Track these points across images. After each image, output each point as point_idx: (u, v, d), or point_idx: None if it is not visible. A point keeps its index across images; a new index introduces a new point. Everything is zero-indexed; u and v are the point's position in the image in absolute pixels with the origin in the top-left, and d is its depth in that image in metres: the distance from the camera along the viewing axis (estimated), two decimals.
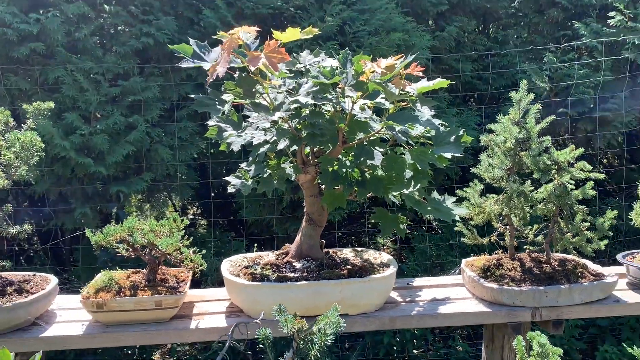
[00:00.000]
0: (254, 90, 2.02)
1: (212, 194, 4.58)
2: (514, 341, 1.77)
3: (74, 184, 4.04)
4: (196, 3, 4.33)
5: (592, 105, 4.62)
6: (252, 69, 1.85)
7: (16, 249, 4.59)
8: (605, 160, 5.71)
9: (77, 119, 3.88)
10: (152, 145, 4.09)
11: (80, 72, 3.96)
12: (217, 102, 2.04)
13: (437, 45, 4.70)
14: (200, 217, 5.76)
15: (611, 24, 4.55)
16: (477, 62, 4.98)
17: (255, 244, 4.96)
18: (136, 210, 4.62)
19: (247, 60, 1.88)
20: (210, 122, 2.10)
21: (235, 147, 2.15)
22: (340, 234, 5.03)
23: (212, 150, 4.21)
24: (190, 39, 2.16)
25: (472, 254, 2.53)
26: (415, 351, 4.47)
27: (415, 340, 4.43)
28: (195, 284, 4.11)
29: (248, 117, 2.10)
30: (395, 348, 4.41)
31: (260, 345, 1.56)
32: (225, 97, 2.05)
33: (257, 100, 2.05)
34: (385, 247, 5.76)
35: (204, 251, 2.23)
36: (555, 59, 4.68)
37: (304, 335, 1.56)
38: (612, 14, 4.57)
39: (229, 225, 5.07)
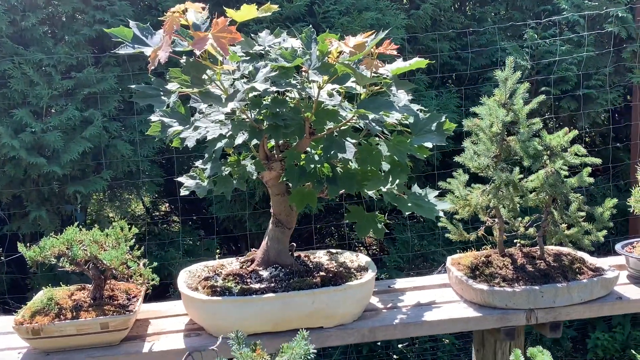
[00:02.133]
0: (203, 77, 1.75)
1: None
2: (512, 356, 1.55)
3: (27, 186, 3.75)
4: None
5: (575, 83, 4.42)
6: (198, 52, 1.59)
7: None
8: (587, 139, 5.53)
9: (27, 115, 3.58)
10: (110, 141, 3.81)
11: (29, 64, 3.65)
12: (161, 93, 1.78)
13: (412, 24, 4.44)
14: (173, 215, 5.49)
15: None
16: (455, 41, 4.73)
17: (225, 244, 4.71)
18: (97, 211, 4.33)
19: (193, 42, 1.61)
20: (153, 117, 1.83)
21: (190, 143, 1.88)
22: (318, 226, 4.79)
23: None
24: (131, 21, 1.89)
25: (456, 243, 2.29)
26: (399, 346, 4.27)
27: None
28: (162, 291, 3.85)
29: (195, 109, 1.84)
30: (378, 344, 4.20)
31: None
32: (170, 86, 1.78)
33: (208, 89, 1.78)
34: (367, 236, 5.54)
35: (155, 264, 1.97)
36: (536, 36, 4.46)
37: None
38: None
39: (201, 222, 4.80)
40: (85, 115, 3.68)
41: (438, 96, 4.38)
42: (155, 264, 1.98)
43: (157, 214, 5.64)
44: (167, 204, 5.50)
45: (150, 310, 2.15)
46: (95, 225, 2.05)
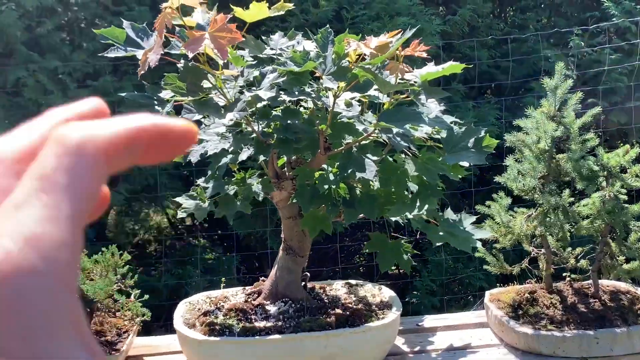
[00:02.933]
0: (203, 84, 1.51)
1: None
2: None
3: None
4: None
5: (625, 94, 4.08)
6: (191, 54, 1.35)
7: None
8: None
9: None
10: None
11: (44, 72, 3.50)
12: (155, 102, 1.55)
13: (448, 30, 4.17)
14: (197, 230, 5.30)
15: None
16: (494, 49, 4.44)
17: (246, 262, 4.48)
18: (115, 225, 4.15)
19: (186, 43, 1.38)
20: None
21: (194, 158, 1.65)
22: (347, 241, 4.53)
23: None
24: (125, 21, 1.68)
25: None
26: None
27: None
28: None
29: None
30: None
31: None
32: (164, 94, 1.55)
33: (211, 97, 1.55)
34: None
35: (146, 297, 1.73)
36: (582, 43, 4.14)
37: None
38: None
39: (222, 239, 4.59)
40: None
41: (475, 107, 4.09)
42: (146, 297, 1.74)
43: (181, 227, 5.46)
44: (190, 219, 5.31)
45: (146, 345, 1.91)
46: (85, 251, 1.82)
